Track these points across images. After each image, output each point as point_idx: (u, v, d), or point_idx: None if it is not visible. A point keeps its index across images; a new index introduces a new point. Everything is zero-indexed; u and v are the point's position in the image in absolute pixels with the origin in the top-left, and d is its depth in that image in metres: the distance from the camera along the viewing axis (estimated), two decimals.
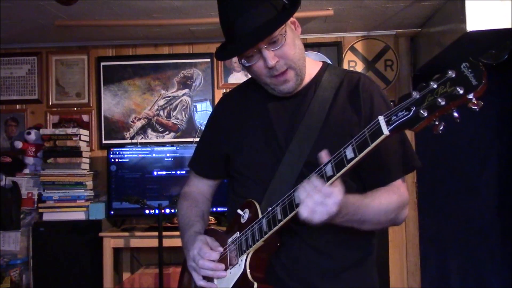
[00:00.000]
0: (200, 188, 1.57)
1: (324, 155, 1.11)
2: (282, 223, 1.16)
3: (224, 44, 1.32)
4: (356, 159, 1.03)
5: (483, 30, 2.69)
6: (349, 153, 1.04)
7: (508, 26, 2.67)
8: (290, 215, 1.13)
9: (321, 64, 1.41)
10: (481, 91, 0.89)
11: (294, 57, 1.26)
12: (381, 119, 1.00)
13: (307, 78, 1.35)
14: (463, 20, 2.70)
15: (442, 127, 0.95)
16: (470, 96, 0.89)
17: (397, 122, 0.98)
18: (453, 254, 3.77)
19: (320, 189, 1.06)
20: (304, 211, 1.07)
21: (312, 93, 1.33)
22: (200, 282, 1.32)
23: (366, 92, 1.31)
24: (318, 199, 1.06)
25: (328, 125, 1.28)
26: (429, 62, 3.36)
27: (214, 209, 3.28)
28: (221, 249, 1.32)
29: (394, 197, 1.26)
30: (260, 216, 1.24)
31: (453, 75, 0.91)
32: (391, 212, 1.26)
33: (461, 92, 0.89)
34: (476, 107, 0.91)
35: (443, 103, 0.91)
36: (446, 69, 0.93)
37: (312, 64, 1.39)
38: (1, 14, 3.03)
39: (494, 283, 3.72)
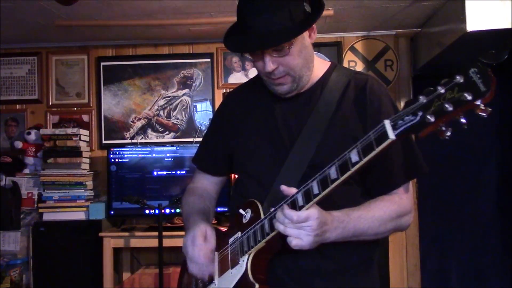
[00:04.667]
0: (205, 184, 1.56)
1: (286, 189, 1.14)
2: None
3: (234, 28, 1.30)
4: (361, 162, 1.02)
5: (483, 30, 2.68)
6: (354, 156, 1.03)
7: (508, 26, 2.67)
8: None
9: (329, 64, 1.40)
10: (489, 98, 0.87)
11: (295, 66, 1.25)
12: (387, 123, 0.99)
13: (314, 79, 1.34)
14: (463, 20, 2.69)
15: (448, 133, 0.93)
16: (478, 102, 0.87)
17: (403, 127, 0.96)
18: (453, 254, 3.77)
19: (293, 218, 1.09)
20: (292, 241, 1.11)
21: (319, 94, 1.32)
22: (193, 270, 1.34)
23: (374, 95, 1.29)
24: (298, 226, 1.09)
25: (333, 127, 1.27)
26: (429, 62, 3.35)
27: None
28: (213, 245, 1.34)
29: (392, 207, 1.24)
30: (262, 216, 1.22)
31: (461, 80, 0.89)
32: (388, 222, 1.24)
33: (469, 98, 0.87)
34: (484, 114, 0.89)
35: (450, 108, 0.89)
36: (454, 73, 0.90)
37: (320, 64, 1.37)
38: (1, 14, 3.02)
39: (494, 283, 3.72)
